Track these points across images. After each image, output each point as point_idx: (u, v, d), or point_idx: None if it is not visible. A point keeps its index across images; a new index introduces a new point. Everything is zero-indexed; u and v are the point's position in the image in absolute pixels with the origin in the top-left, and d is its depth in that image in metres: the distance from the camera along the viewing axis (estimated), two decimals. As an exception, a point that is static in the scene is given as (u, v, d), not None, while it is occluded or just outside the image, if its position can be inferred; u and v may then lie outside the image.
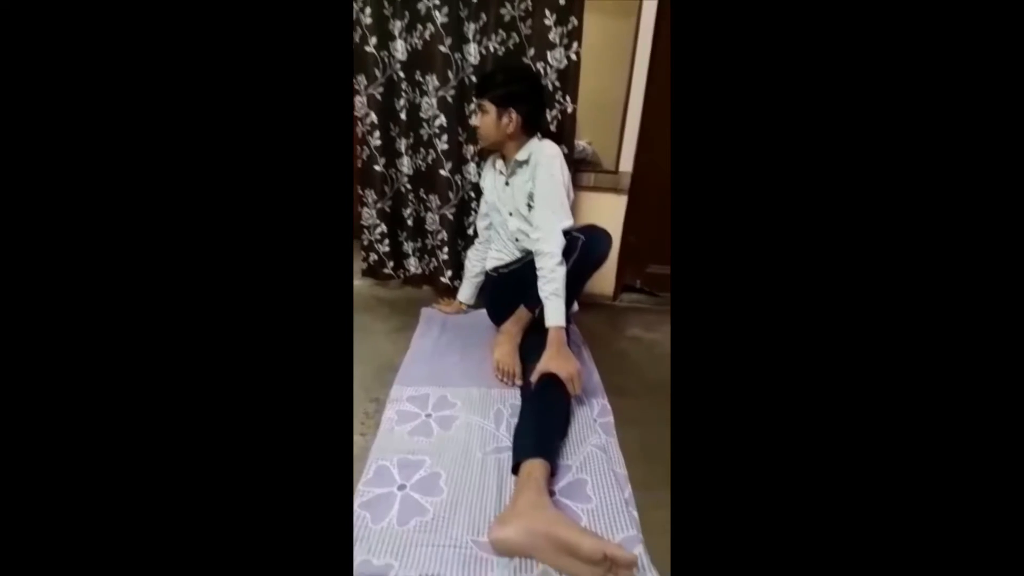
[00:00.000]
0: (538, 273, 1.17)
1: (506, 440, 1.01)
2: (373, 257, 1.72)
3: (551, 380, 1.06)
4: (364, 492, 0.85)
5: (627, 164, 1.67)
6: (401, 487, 0.87)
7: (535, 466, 0.86)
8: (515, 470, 0.90)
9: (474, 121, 1.28)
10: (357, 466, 0.92)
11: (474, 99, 1.30)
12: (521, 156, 1.27)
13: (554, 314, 1.14)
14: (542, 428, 0.97)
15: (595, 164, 1.67)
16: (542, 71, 1.44)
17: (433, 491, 0.87)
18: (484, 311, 1.55)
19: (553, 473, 0.90)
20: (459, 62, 1.45)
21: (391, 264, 1.74)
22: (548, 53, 1.43)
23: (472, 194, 1.60)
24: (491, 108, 1.24)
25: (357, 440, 1.00)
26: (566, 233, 1.18)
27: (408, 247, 1.72)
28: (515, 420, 1.06)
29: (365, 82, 1.48)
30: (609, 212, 1.69)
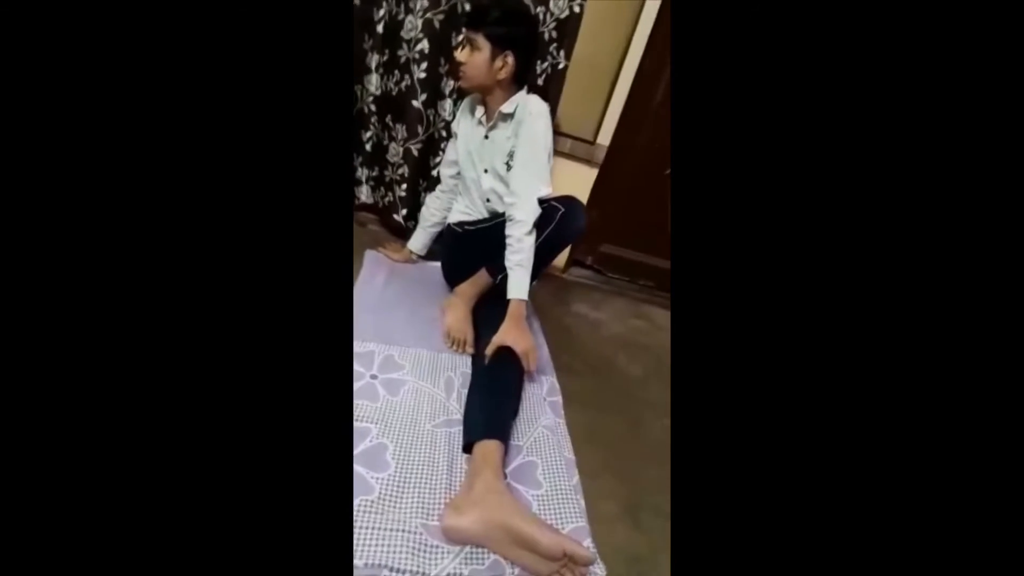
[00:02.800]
0: (507, 240, 1.10)
1: (456, 412, 0.96)
2: (318, 181, 1.53)
3: (506, 355, 1.02)
4: (303, 460, 0.77)
5: (605, 138, 1.61)
6: (344, 457, 0.80)
7: (490, 448, 0.83)
8: (467, 449, 0.87)
9: (461, 56, 1.12)
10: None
11: (464, 31, 1.15)
12: (507, 108, 1.15)
13: (517, 286, 1.08)
14: (496, 406, 0.93)
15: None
16: (540, 17, 1.31)
17: (379, 465, 0.81)
18: (433, 264, 1.46)
19: (505, 453, 0.88)
20: (455, -18, 1.27)
21: (337, 193, 1.56)
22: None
23: (444, 133, 1.45)
24: (485, 46, 1.09)
25: (293, 396, 0.90)
26: (542, 202, 1.11)
27: (361, 174, 1.55)
28: (466, 391, 1.02)
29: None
30: (577, 182, 1.63)
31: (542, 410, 1.03)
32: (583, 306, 1.64)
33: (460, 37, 1.29)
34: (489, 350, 1.03)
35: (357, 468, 0.79)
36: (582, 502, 0.86)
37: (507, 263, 1.09)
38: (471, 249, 1.27)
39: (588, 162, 1.63)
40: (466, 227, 1.30)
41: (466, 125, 1.27)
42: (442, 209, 1.39)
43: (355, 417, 0.88)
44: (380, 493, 0.76)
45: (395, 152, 1.48)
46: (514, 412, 0.98)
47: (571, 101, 1.54)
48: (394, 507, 0.74)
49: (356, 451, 0.82)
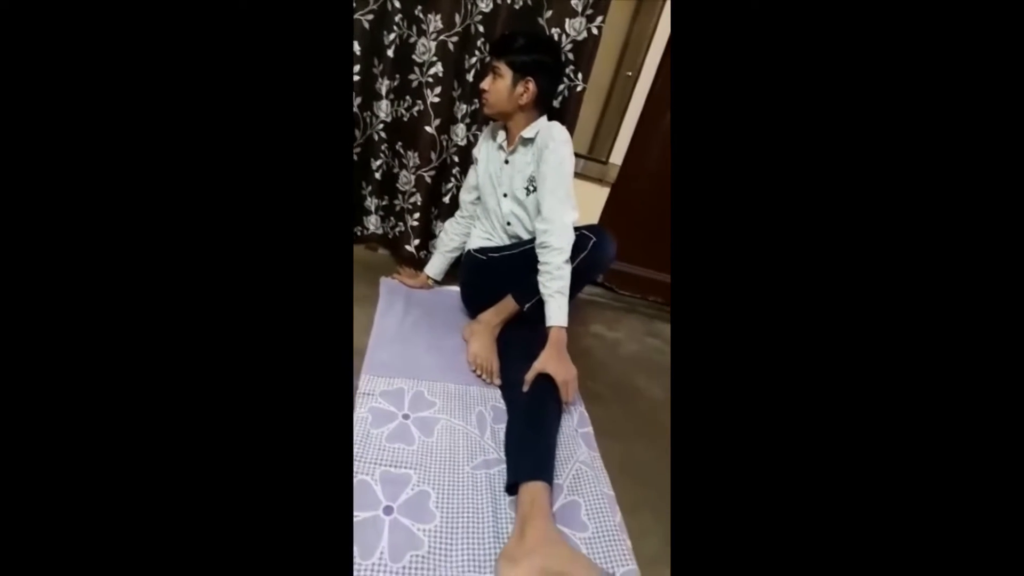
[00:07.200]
0: (541, 268, 1.08)
1: (493, 451, 0.94)
2: (327, 208, 1.49)
3: (544, 384, 1.00)
4: (347, 515, 0.74)
5: (618, 157, 1.60)
6: (388, 510, 0.77)
7: (538, 491, 0.81)
8: (511, 489, 0.84)
9: (484, 84, 1.13)
10: (331, 477, 0.80)
11: (488, 59, 1.14)
12: (528, 133, 1.15)
13: (557, 313, 1.06)
14: (539, 444, 0.91)
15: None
16: (558, 39, 1.30)
17: (424, 516, 0.78)
18: (449, 288, 1.44)
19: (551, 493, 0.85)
20: (468, 6, 1.25)
21: (348, 219, 1.53)
22: (567, 20, 1.28)
23: (456, 159, 1.43)
24: (507, 73, 1.10)
25: (327, 443, 0.87)
26: (575, 230, 1.10)
27: (371, 203, 1.52)
28: (499, 427, 1.00)
29: (354, 4, 1.23)
30: (589, 202, 1.63)
31: (576, 444, 1.01)
32: (599, 326, 1.63)
33: (473, 60, 1.28)
34: (529, 376, 1.01)
35: (402, 519, 0.76)
36: (628, 542, 0.84)
37: (544, 290, 1.07)
38: (494, 276, 1.25)
39: (600, 181, 1.62)
40: (489, 254, 1.27)
41: (487, 150, 1.25)
42: (461, 234, 1.37)
43: (392, 463, 0.85)
44: (429, 547, 0.73)
45: (406, 180, 1.45)
46: (555, 448, 0.96)
47: (586, 121, 1.53)
48: (445, 561, 0.72)
49: (399, 501, 0.79)
